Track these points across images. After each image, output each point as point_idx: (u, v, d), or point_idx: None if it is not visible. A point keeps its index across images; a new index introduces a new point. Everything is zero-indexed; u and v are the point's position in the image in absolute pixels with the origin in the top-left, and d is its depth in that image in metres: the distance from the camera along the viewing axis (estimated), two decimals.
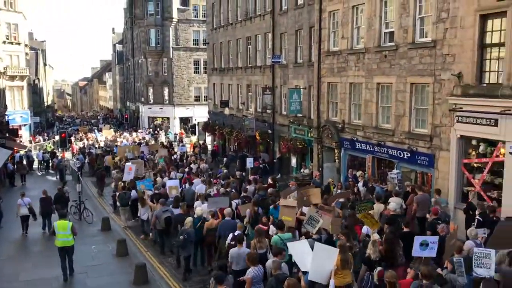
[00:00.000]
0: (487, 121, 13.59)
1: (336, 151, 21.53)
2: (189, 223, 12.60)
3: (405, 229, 10.94)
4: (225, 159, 31.06)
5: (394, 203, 13.73)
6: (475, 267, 8.21)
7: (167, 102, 56.74)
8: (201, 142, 41.26)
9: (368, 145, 19.10)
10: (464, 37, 14.21)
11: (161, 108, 57.24)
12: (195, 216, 13.42)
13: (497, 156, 13.73)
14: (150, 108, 58.53)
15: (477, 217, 12.00)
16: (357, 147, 19.86)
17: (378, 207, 13.68)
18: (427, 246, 8.89)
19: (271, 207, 13.96)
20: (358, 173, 19.38)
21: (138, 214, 17.45)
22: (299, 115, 24.88)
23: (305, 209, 12.71)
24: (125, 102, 78.67)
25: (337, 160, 21.67)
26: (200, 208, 13.96)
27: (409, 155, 16.88)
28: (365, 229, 11.59)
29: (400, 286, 8.14)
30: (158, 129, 55.00)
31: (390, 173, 17.19)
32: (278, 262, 8.70)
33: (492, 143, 14.00)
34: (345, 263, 8.59)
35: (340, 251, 8.50)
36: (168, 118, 57.37)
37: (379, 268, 9.10)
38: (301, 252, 8.65)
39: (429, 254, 8.88)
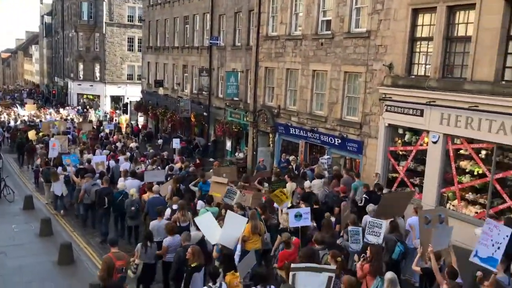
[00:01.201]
0: (414, 111, 14.32)
1: (270, 135, 21.79)
2: (135, 194, 12.95)
3: (315, 206, 11.78)
4: (160, 140, 30.48)
5: (313, 183, 14.44)
6: (367, 234, 9.34)
7: (98, 79, 54.38)
8: (133, 122, 40.12)
9: (301, 131, 19.50)
10: (397, 29, 14.82)
11: (92, 85, 54.81)
12: (118, 191, 13.70)
13: (421, 144, 14.55)
14: (79, 84, 55.89)
15: (364, 195, 13.02)
16: (291, 132, 20.23)
17: (291, 185, 14.41)
18: (301, 217, 9.93)
19: (200, 182, 14.51)
20: (291, 158, 19.76)
21: (51, 189, 16.97)
22: (236, 98, 24.85)
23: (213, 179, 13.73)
24: (53, 78, 74.41)
25: (271, 145, 21.96)
26: (123, 183, 14.16)
27: (339, 141, 17.46)
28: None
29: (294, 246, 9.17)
30: (88, 106, 52.73)
31: (321, 158, 17.69)
32: (187, 234, 9.24)
33: (417, 132, 14.79)
34: (254, 229, 9.69)
35: (250, 219, 9.76)
36: (98, 96, 55.08)
37: (293, 238, 9.80)
38: (208, 225, 9.32)
39: (304, 224, 9.92)
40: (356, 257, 8.42)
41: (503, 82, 12.10)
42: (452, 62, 13.62)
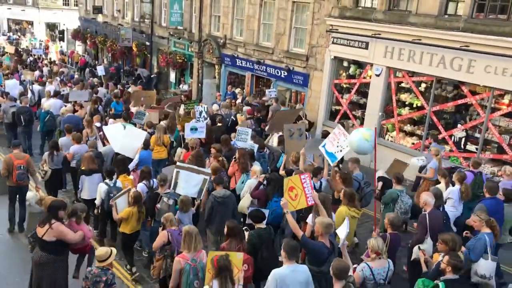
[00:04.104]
0: (359, 43, 14.36)
1: (216, 67, 21.33)
2: (65, 113, 13.43)
3: (219, 124, 13.04)
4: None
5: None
6: (236, 140, 10.81)
7: (31, 3, 50.17)
8: (70, 51, 37.80)
9: (248, 63, 19.18)
10: None
11: (23, 10, 50.57)
12: (43, 111, 14.06)
13: (364, 77, 14.76)
14: (9, 9, 51.25)
15: None
16: (237, 64, 19.85)
17: (202, 107, 14.92)
18: (196, 130, 11.18)
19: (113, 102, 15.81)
20: (237, 90, 19.57)
21: None
22: (180, 27, 23.87)
23: (133, 109, 14.58)
24: None
25: (217, 76, 21.55)
26: (47, 103, 14.42)
27: (286, 74, 17.37)
28: None
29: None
30: (19, 33, 48.97)
31: (267, 91, 17.60)
32: (93, 142, 10.63)
33: (361, 65, 14.94)
34: (158, 140, 11.12)
35: (156, 132, 11.19)
36: (32, 23, 51.14)
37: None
38: (114, 134, 10.30)
39: (198, 136, 11.10)
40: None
41: (446, 16, 12.27)
42: None
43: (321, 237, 5.93)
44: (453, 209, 8.32)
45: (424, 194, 7.40)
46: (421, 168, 10.87)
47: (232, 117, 14.46)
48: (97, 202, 8.54)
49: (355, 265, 5.85)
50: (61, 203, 6.77)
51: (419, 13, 12.67)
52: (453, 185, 8.78)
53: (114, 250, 5.98)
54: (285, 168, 9.36)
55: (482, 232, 6.65)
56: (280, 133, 11.35)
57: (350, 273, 5.38)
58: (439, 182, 9.20)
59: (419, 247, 6.81)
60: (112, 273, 5.94)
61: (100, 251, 5.91)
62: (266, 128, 13.05)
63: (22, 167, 9.11)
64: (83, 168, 9.16)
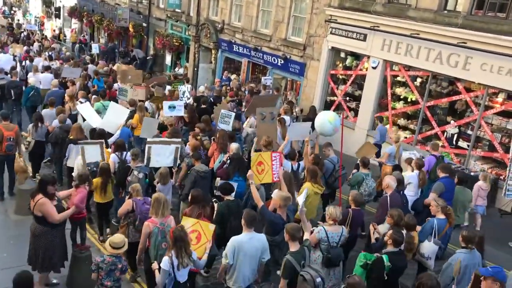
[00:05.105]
0: (357, 35, 14.32)
1: (213, 52, 21.19)
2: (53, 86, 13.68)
3: (203, 106, 13.17)
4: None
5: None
6: (220, 123, 11.04)
7: None
8: (72, 29, 37.30)
9: (245, 49, 19.08)
10: None
11: None
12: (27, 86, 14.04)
13: (361, 69, 14.75)
14: None
15: None
16: (234, 49, 19.74)
17: (186, 86, 15.04)
18: (175, 108, 11.48)
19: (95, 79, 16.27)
20: (233, 76, 19.49)
21: None
22: (178, 10, 23.64)
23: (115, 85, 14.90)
24: None
25: (213, 61, 21.43)
26: (33, 78, 14.44)
27: (282, 62, 17.31)
28: None
29: None
30: (13, 7, 48.22)
31: (263, 78, 17.54)
32: (63, 116, 10.62)
33: (358, 57, 14.92)
34: (141, 118, 11.26)
35: (138, 111, 11.55)
36: None
37: None
38: (90, 112, 10.75)
39: (176, 114, 11.57)
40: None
41: (445, 12, 12.25)
42: None
43: (279, 209, 6.48)
44: (412, 193, 8.87)
45: (387, 177, 7.93)
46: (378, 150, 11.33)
47: (211, 98, 14.56)
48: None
49: (313, 228, 6.41)
50: (50, 178, 6.76)
51: (419, 7, 12.65)
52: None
53: (126, 240, 6.07)
54: (256, 150, 9.58)
55: (435, 217, 7.07)
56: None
57: (307, 237, 5.95)
58: (398, 167, 9.86)
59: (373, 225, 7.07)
60: (126, 260, 5.99)
61: (117, 238, 5.89)
62: (244, 111, 13.30)
63: (11, 139, 9.42)
64: (71, 137, 9.55)
